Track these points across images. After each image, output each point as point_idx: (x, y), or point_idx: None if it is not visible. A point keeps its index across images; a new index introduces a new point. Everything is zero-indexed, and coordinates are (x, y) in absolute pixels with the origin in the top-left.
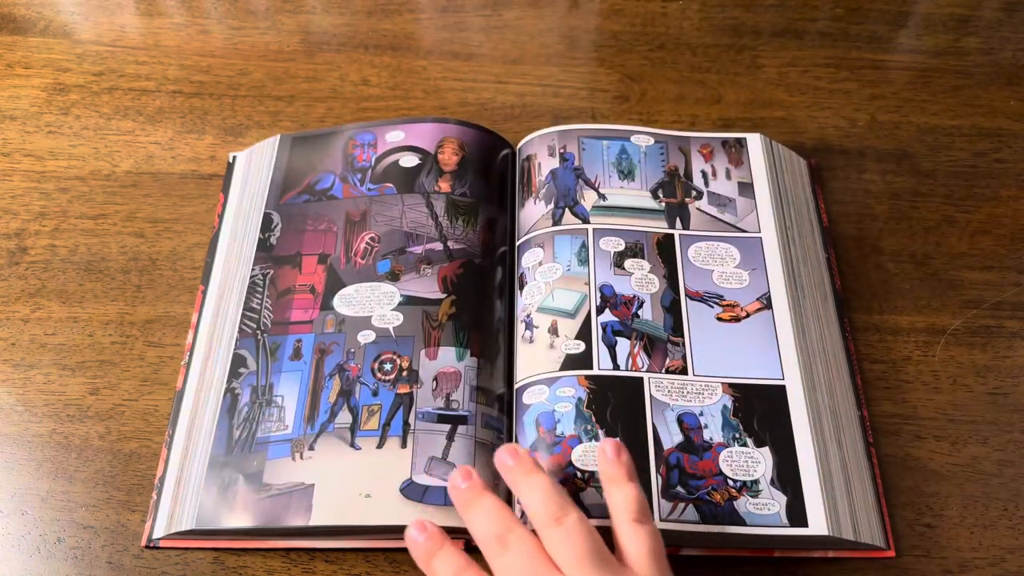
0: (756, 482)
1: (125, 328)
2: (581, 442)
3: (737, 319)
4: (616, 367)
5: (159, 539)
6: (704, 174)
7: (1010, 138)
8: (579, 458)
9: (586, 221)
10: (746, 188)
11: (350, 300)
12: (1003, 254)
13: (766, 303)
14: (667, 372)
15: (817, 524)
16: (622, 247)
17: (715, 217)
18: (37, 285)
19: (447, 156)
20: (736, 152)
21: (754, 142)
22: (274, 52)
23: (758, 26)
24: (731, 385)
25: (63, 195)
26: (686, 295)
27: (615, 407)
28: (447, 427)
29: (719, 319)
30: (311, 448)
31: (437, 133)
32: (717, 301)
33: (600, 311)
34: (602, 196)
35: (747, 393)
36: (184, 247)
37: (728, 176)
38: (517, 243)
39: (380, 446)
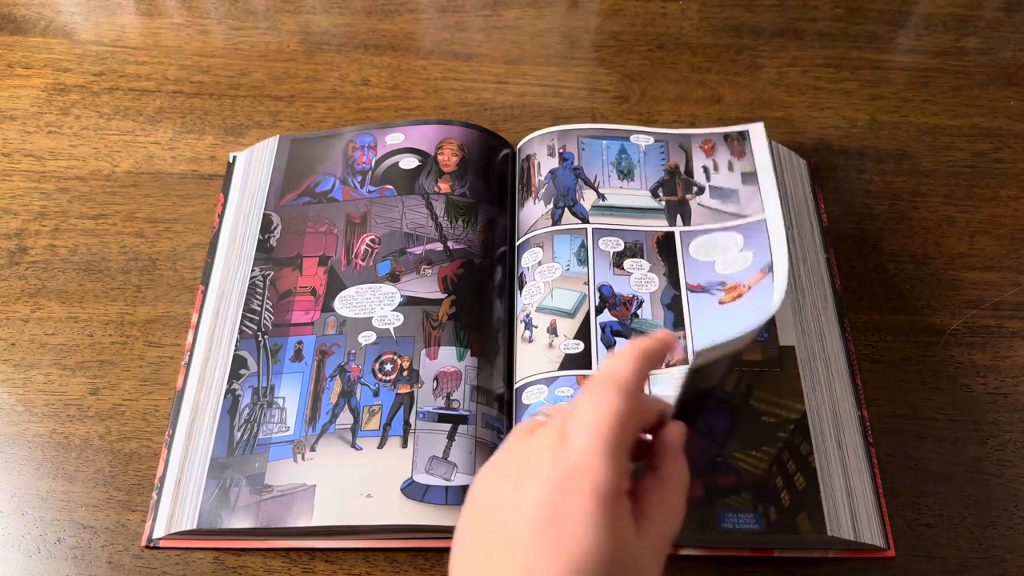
0: None
1: (125, 328)
2: None
3: (740, 296)
4: None
5: (159, 539)
6: (705, 169)
7: (1010, 138)
8: None
9: (585, 221)
10: (750, 177)
11: (351, 302)
12: (1003, 254)
13: (767, 271)
14: (667, 366)
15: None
16: (621, 247)
17: (718, 210)
18: (37, 285)
19: (447, 157)
20: (739, 144)
21: (757, 131)
22: (274, 52)
23: (758, 26)
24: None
25: (63, 195)
26: (687, 289)
27: None
28: (448, 427)
29: (721, 303)
30: (312, 449)
31: (437, 134)
32: (720, 287)
33: (599, 311)
34: (601, 196)
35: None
36: (184, 247)
37: (731, 168)
38: (517, 243)
39: (381, 446)
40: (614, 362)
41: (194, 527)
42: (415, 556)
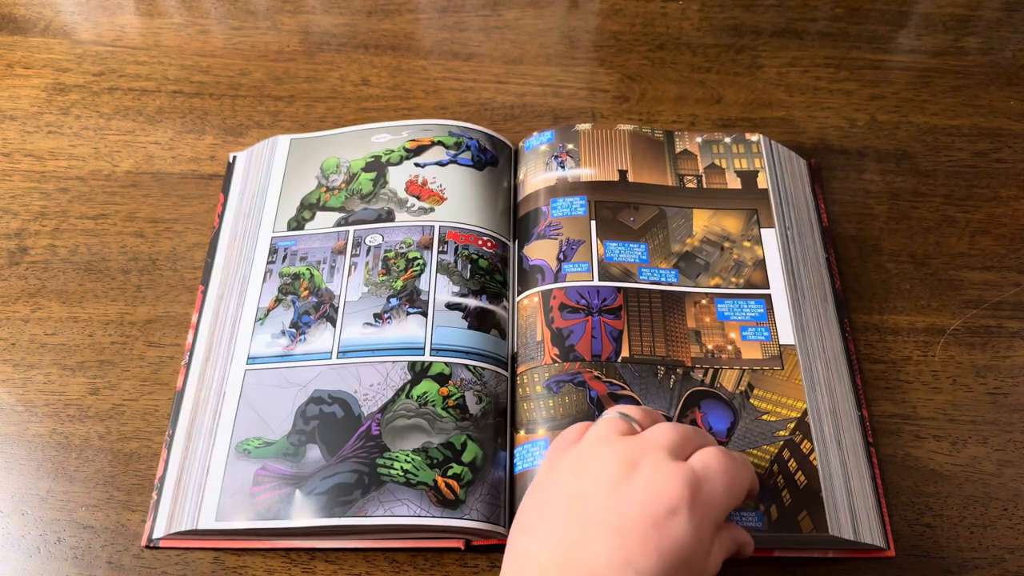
0: None
1: (125, 328)
2: None
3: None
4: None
5: (159, 539)
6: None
7: (1010, 138)
8: None
9: None
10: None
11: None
12: (1003, 254)
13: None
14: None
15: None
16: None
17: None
18: (37, 285)
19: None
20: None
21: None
22: (274, 52)
23: (758, 26)
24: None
25: (63, 195)
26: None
27: None
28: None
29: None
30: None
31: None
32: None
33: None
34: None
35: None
36: (184, 247)
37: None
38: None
39: None
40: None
41: (209, 526)
42: (415, 556)
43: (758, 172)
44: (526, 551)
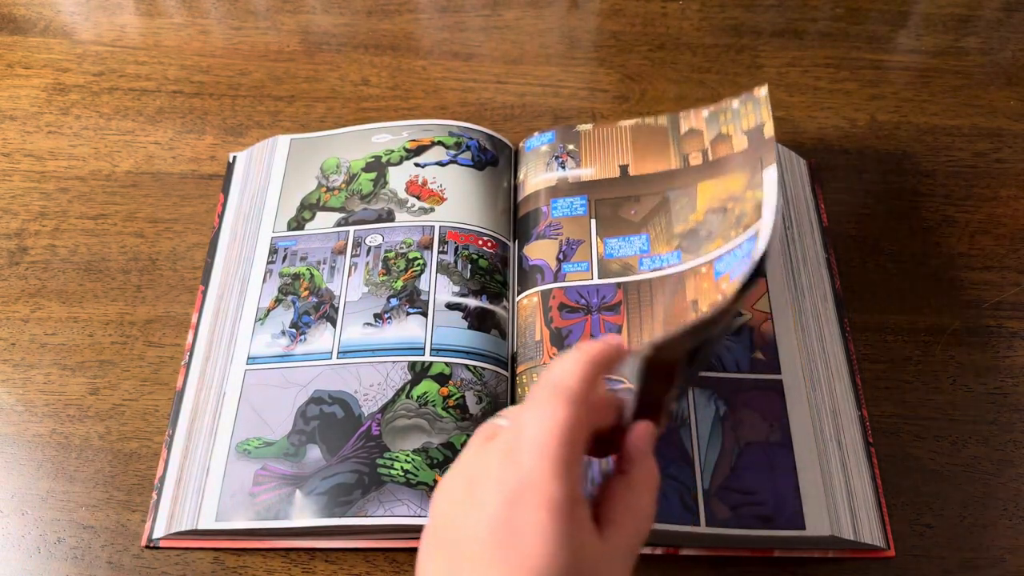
0: None
1: (125, 328)
2: None
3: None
4: None
5: (159, 539)
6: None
7: (1010, 138)
8: None
9: None
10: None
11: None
12: (1003, 254)
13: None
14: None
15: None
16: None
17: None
18: (37, 285)
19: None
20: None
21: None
22: (274, 52)
23: (758, 26)
24: None
25: (63, 195)
26: None
27: None
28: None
29: None
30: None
31: None
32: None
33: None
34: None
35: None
36: (184, 247)
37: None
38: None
39: None
40: (559, 370)
41: (208, 526)
42: (415, 556)
43: (764, 124)
44: (420, 568)
